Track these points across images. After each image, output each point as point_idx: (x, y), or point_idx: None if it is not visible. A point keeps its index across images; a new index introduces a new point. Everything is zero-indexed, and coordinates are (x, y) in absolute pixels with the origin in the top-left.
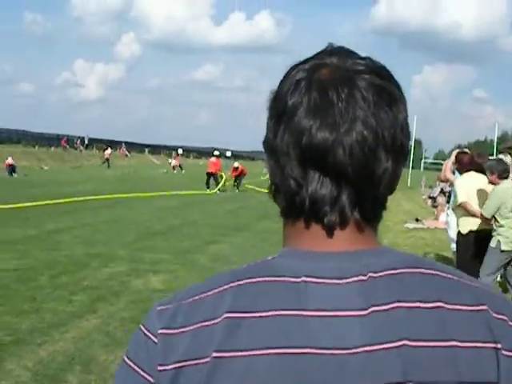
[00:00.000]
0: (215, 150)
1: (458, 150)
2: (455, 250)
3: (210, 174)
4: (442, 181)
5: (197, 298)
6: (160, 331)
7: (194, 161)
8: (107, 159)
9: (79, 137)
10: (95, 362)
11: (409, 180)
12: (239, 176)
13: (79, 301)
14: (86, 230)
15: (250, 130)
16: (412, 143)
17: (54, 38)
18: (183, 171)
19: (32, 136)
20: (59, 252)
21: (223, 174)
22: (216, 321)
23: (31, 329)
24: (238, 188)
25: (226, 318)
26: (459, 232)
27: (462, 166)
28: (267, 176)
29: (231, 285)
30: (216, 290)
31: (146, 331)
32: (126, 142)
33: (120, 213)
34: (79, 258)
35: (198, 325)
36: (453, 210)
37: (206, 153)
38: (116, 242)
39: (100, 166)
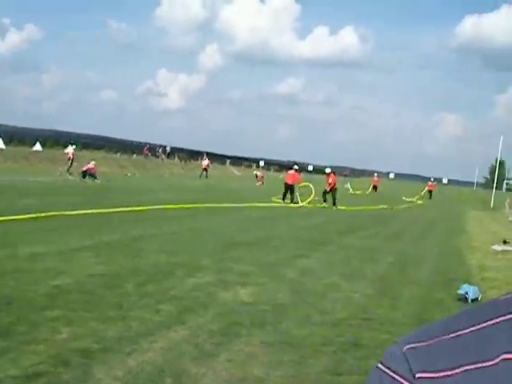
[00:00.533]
0: (295, 163)
1: None
2: None
3: (287, 186)
4: None
5: (459, 333)
6: (418, 375)
7: (274, 174)
8: (205, 169)
9: (161, 145)
10: (186, 374)
11: (492, 201)
12: (332, 189)
13: (166, 310)
14: (168, 238)
15: (330, 145)
16: (497, 163)
17: (137, 48)
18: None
19: (114, 142)
20: (143, 259)
21: (308, 184)
22: (490, 363)
23: (119, 337)
24: (335, 205)
25: (503, 359)
26: None
27: None
28: (351, 191)
29: (507, 317)
30: (485, 324)
31: (394, 375)
32: (207, 153)
33: (203, 222)
34: (163, 267)
35: (467, 367)
36: None
37: (286, 166)
38: (200, 252)
39: (199, 178)
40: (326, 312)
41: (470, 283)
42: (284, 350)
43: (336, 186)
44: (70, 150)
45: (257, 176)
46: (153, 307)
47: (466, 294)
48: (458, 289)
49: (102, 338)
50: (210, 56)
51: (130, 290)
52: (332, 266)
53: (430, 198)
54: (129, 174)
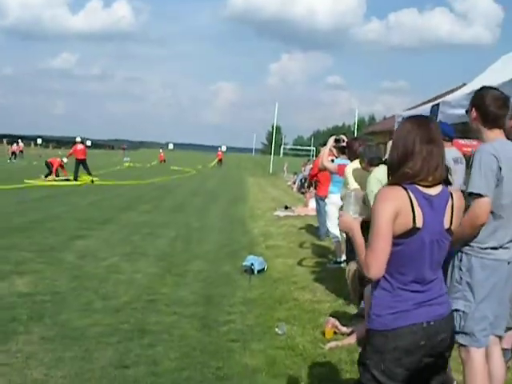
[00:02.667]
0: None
1: (334, 137)
2: (337, 240)
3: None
4: (320, 170)
5: None
6: None
7: (53, 151)
8: (14, 153)
9: None
10: None
11: (271, 166)
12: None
13: None
14: None
15: (108, 118)
16: (273, 129)
17: None
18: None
19: None
20: None
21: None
22: None
23: None
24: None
25: None
26: None
27: (353, 153)
28: (129, 164)
29: None
30: None
31: None
32: None
33: None
34: None
35: None
36: (341, 198)
37: (65, 142)
38: None
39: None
40: (108, 297)
41: (255, 253)
42: (66, 344)
43: (83, 157)
44: None
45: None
46: None
47: (252, 265)
48: (244, 260)
49: None
50: None
51: None
52: (112, 245)
53: (220, 165)
54: None
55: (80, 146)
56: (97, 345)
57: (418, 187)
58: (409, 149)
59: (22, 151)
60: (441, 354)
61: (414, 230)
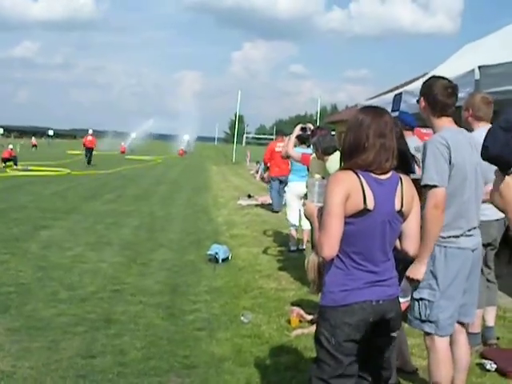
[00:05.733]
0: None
1: (300, 125)
2: (294, 228)
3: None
4: (283, 157)
5: None
6: None
7: (15, 141)
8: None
9: None
10: None
11: (234, 155)
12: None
13: None
14: None
15: (71, 108)
16: (236, 118)
17: None
18: None
19: None
20: None
21: None
22: None
23: None
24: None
25: None
26: None
27: None
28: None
29: None
30: None
31: None
32: None
33: None
34: None
35: None
36: (306, 187)
37: (27, 132)
38: None
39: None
40: (74, 287)
41: (219, 242)
42: (32, 335)
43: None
44: None
45: None
46: None
47: (216, 254)
48: (208, 249)
49: None
50: None
51: None
52: (77, 235)
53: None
54: None
55: (89, 138)
56: (63, 335)
57: (369, 173)
58: (362, 141)
59: None
60: (388, 333)
61: (364, 211)
